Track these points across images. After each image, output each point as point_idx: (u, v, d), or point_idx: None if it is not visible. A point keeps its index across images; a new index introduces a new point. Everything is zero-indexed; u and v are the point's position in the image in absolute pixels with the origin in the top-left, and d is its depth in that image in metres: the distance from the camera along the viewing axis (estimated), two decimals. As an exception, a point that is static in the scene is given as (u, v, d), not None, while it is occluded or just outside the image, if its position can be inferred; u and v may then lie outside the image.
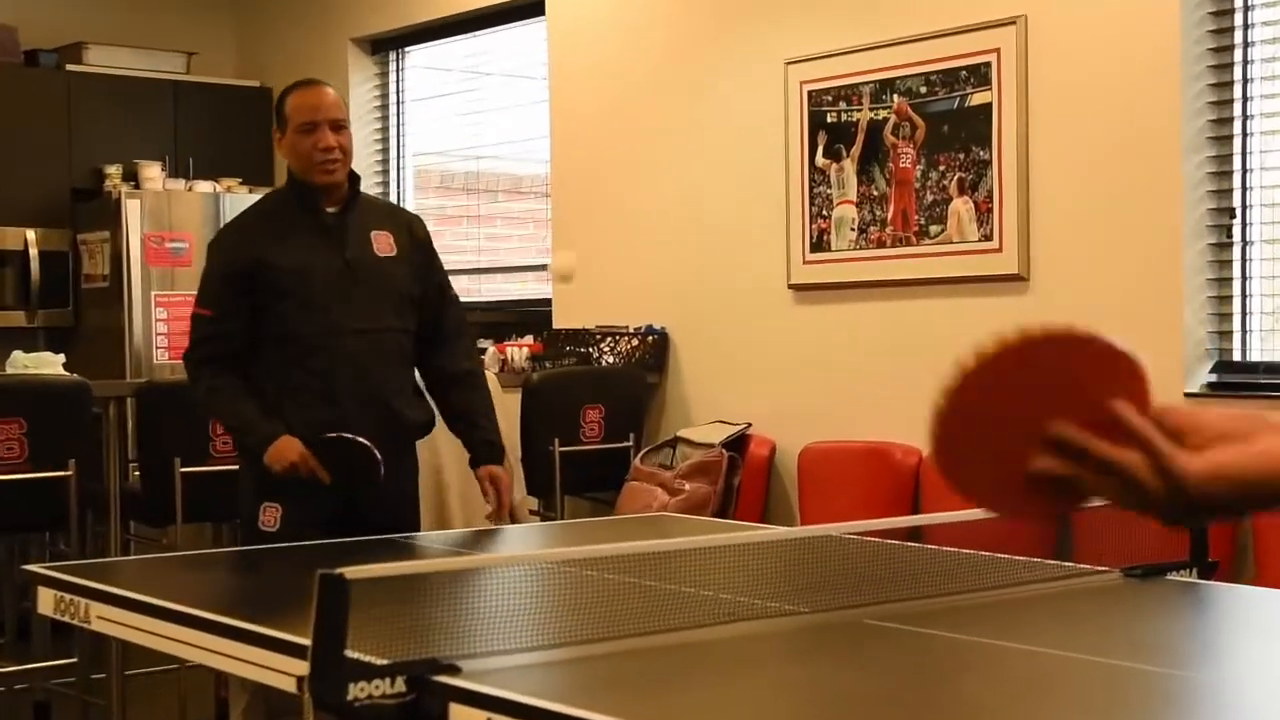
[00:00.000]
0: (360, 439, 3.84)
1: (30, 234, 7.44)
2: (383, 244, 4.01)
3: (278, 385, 3.90)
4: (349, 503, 3.88)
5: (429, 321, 4.11)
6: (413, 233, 4.13)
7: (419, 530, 4.12)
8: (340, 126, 3.95)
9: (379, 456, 3.83)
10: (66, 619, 3.10)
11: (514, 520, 5.73)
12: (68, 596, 3.08)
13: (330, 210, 3.98)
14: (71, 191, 7.61)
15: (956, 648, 2.53)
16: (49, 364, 5.62)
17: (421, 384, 4.17)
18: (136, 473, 5.33)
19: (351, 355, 3.90)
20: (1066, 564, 3.27)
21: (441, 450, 5.37)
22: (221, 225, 7.47)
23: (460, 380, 4.14)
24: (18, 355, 5.67)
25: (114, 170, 7.52)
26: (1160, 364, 4.94)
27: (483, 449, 4.09)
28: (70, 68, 7.68)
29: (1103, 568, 3.13)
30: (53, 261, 7.51)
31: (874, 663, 2.47)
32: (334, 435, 3.84)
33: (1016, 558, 3.22)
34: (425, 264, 4.13)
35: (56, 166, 7.60)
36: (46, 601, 3.15)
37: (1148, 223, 4.84)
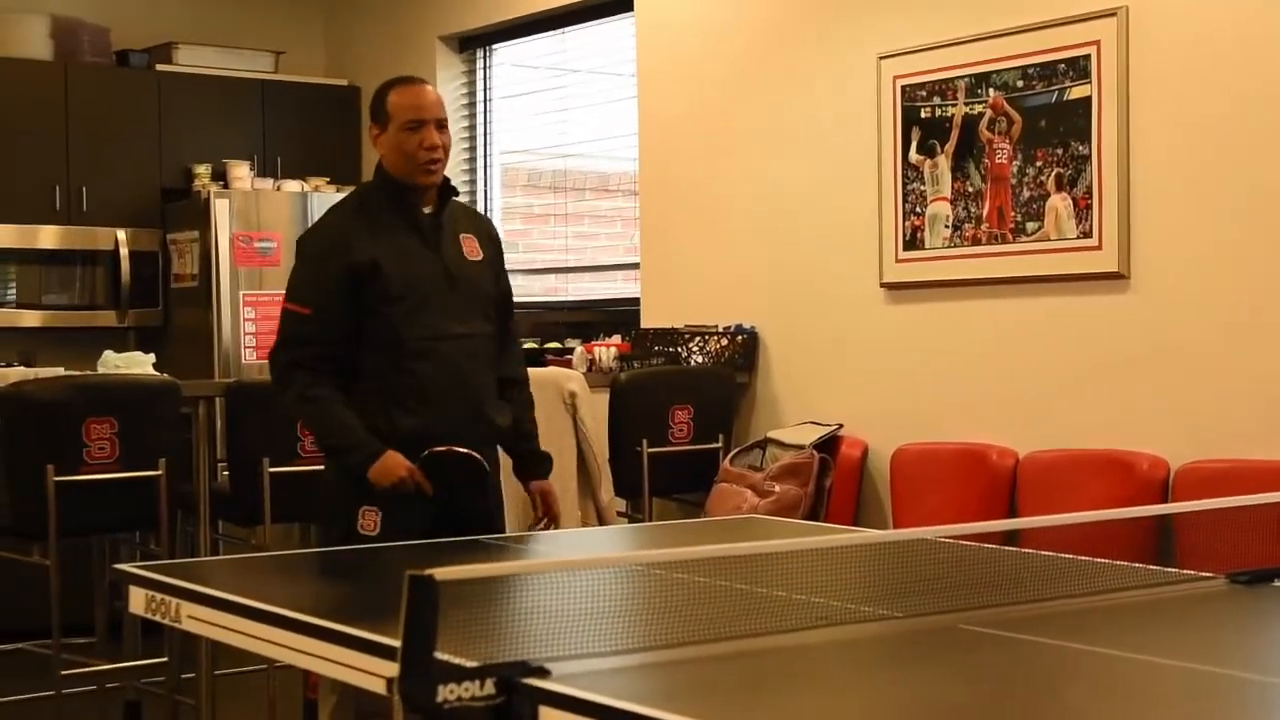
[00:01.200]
0: (471, 453, 3.84)
1: (121, 234, 7.52)
2: (471, 247, 4.00)
3: (381, 390, 3.85)
4: (448, 507, 3.86)
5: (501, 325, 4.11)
6: (490, 237, 4.12)
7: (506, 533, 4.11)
8: (443, 126, 3.93)
9: (488, 467, 3.86)
10: (157, 619, 3.11)
11: (602, 522, 5.72)
12: (159, 596, 3.08)
13: (426, 211, 3.94)
14: (161, 191, 7.69)
15: (1056, 655, 2.47)
16: (140, 364, 5.66)
17: None
18: (225, 473, 5.36)
19: (452, 359, 3.88)
20: (1170, 569, 3.19)
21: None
22: (310, 224, 7.56)
23: (513, 388, 4.13)
24: (109, 355, 5.72)
25: (203, 170, 7.59)
26: (1266, 364, 4.89)
27: (534, 461, 4.12)
28: (160, 68, 7.75)
29: (1207, 573, 3.06)
30: (143, 261, 7.58)
31: (970, 670, 2.42)
32: (442, 449, 3.82)
33: (1117, 563, 3.16)
34: (500, 268, 4.13)
35: (147, 166, 7.68)
36: (138, 601, 3.15)
37: (1254, 219, 4.73)
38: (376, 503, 3.82)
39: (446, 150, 3.93)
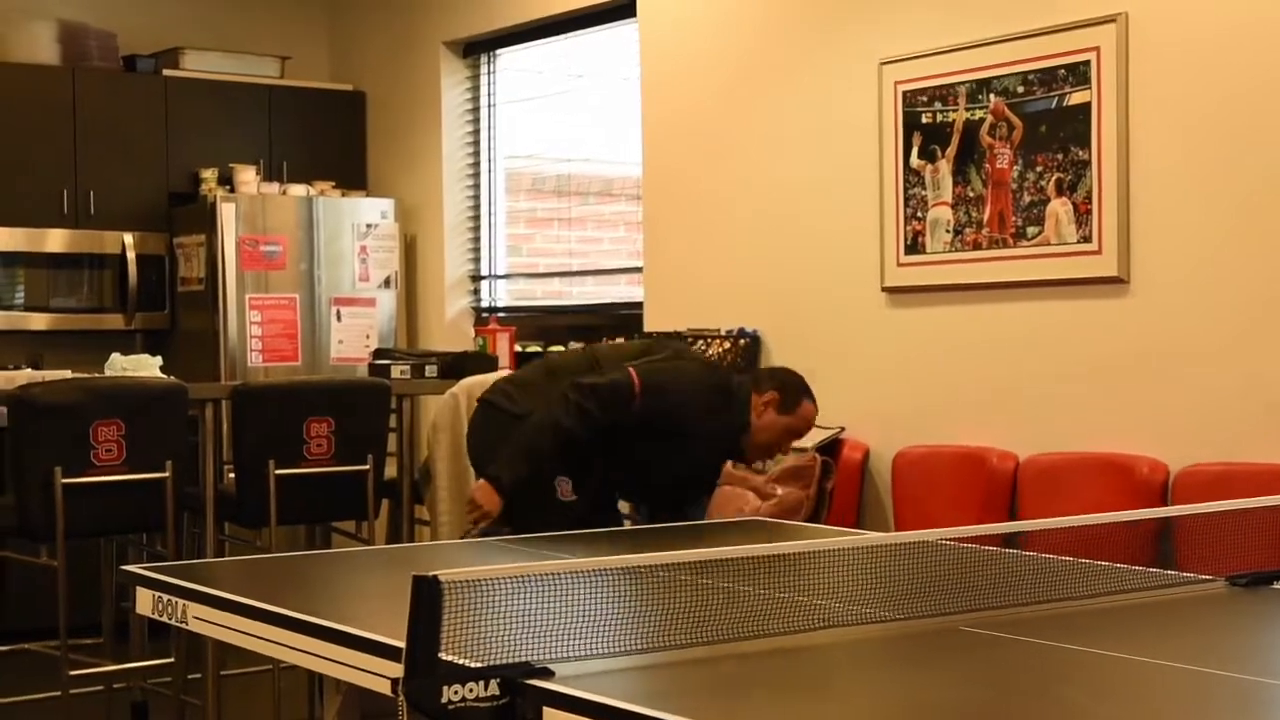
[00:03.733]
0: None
1: (128, 238, 7.54)
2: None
3: (598, 476, 4.49)
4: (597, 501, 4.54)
5: None
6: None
7: None
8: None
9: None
10: (164, 619, 3.13)
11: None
12: (165, 597, 3.10)
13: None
14: (168, 195, 7.71)
15: (1056, 657, 2.48)
16: (147, 366, 5.68)
17: None
18: (231, 475, 5.38)
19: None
20: (1169, 572, 3.21)
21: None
22: (314, 228, 7.56)
23: None
24: (116, 358, 5.74)
25: (209, 174, 7.61)
26: (1266, 368, 4.90)
27: None
28: (167, 73, 7.77)
29: (1206, 576, 3.07)
30: (150, 265, 7.60)
31: (971, 671, 2.44)
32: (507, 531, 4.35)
33: (1117, 565, 3.17)
34: None
35: (154, 171, 7.70)
36: (144, 602, 3.18)
37: (1253, 224, 4.75)
38: (565, 473, 4.41)
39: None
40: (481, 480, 4.40)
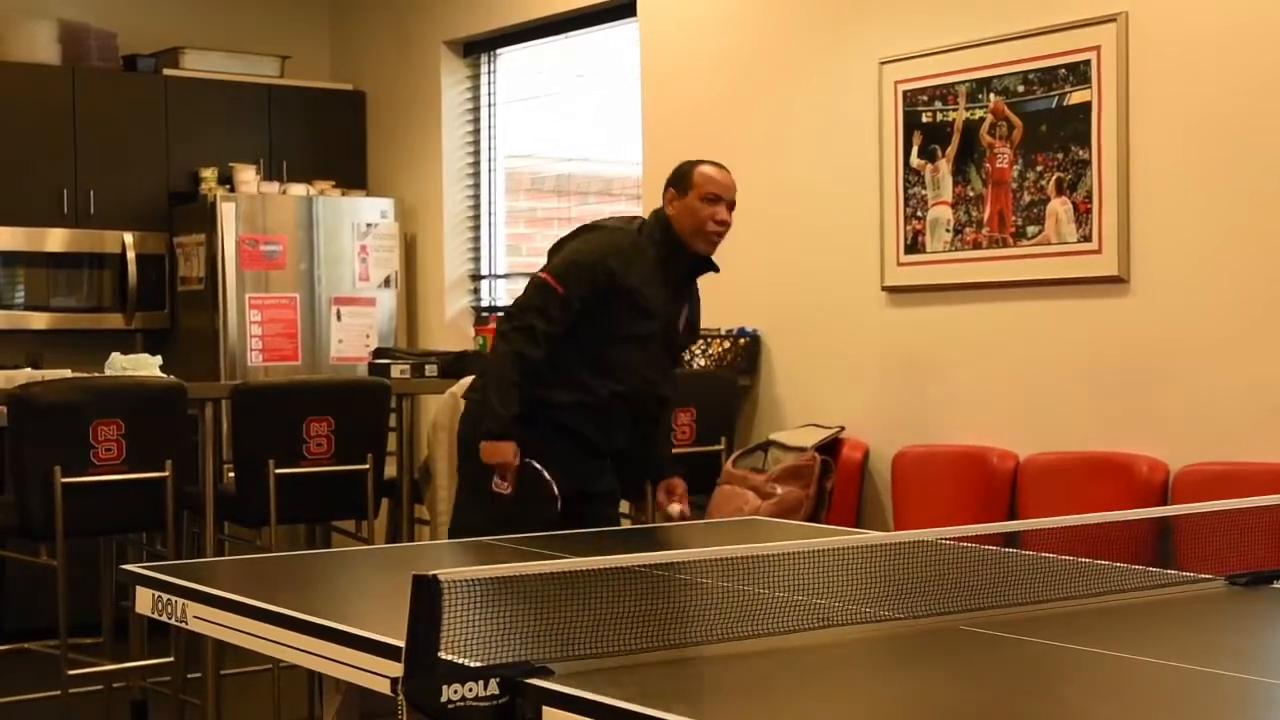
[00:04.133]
0: (547, 475, 4.32)
1: (128, 237, 7.54)
2: (684, 322, 4.64)
3: (579, 398, 4.43)
4: (581, 483, 4.43)
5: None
6: (694, 315, 4.73)
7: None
8: (733, 206, 4.52)
9: (556, 494, 4.32)
10: (164, 619, 3.13)
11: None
12: (165, 596, 3.10)
13: (687, 273, 4.56)
14: (168, 195, 7.71)
15: (1055, 656, 2.49)
16: (146, 366, 5.68)
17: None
18: (231, 474, 5.38)
19: (636, 397, 4.50)
20: (1169, 571, 3.21)
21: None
22: (314, 229, 7.57)
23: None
24: (116, 357, 5.74)
25: (209, 174, 7.61)
26: (1266, 368, 4.90)
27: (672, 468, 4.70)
28: (168, 72, 7.77)
29: (1206, 575, 3.07)
30: (150, 264, 7.60)
31: (970, 671, 2.44)
32: (532, 463, 4.32)
33: (1117, 564, 3.17)
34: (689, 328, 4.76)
35: (154, 170, 7.70)
36: (144, 601, 3.18)
37: (1253, 224, 4.75)
38: (543, 463, 4.33)
39: (727, 228, 4.53)
40: (482, 444, 4.36)
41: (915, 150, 5.61)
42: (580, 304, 4.37)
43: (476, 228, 7.85)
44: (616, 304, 4.40)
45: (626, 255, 4.45)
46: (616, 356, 4.45)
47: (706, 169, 4.55)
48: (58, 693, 4.98)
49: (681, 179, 4.53)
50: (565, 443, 4.44)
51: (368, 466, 5.32)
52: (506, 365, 4.34)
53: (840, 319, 5.90)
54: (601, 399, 4.45)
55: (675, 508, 4.53)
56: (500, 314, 4.44)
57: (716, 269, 4.62)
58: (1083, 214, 5.12)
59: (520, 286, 7.67)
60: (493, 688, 2.17)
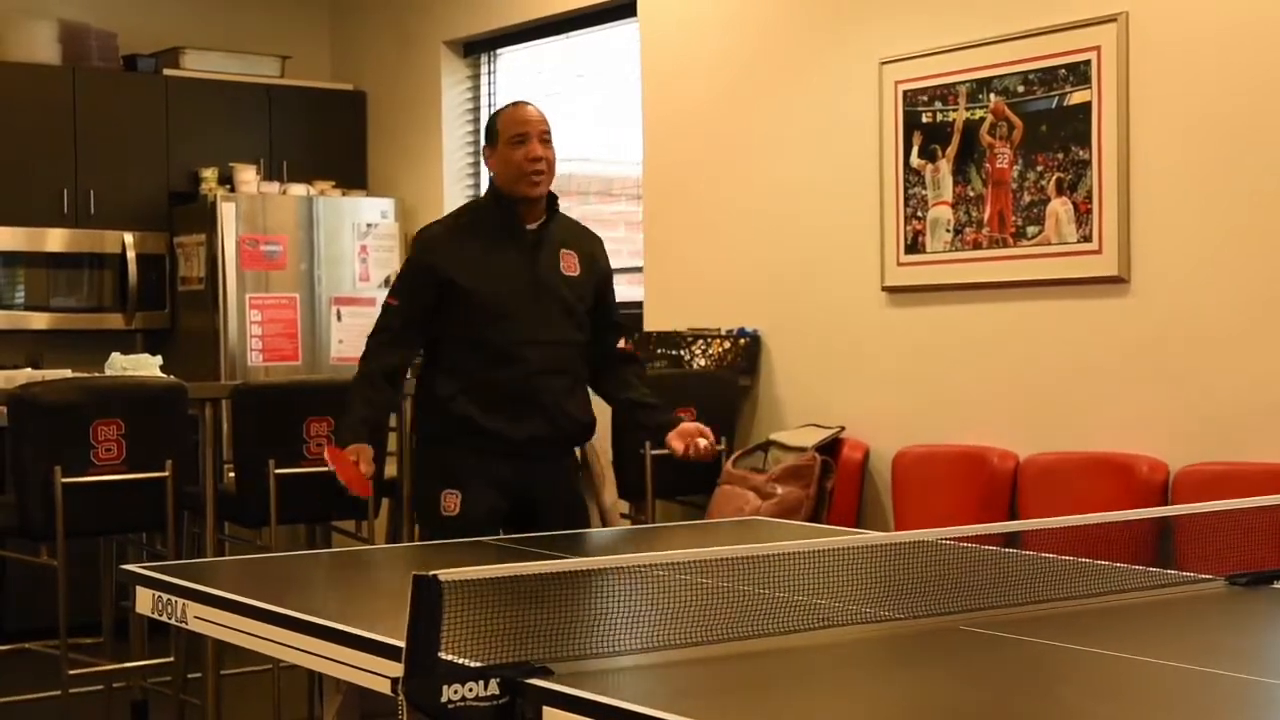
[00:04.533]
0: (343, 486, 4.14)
1: (128, 237, 7.55)
2: (569, 263, 4.30)
3: (468, 389, 4.21)
4: (524, 499, 4.25)
5: (604, 343, 4.43)
6: (595, 255, 4.40)
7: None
8: (547, 140, 4.21)
9: (351, 497, 4.24)
10: (164, 619, 3.13)
11: (606, 523, 5.73)
12: (165, 596, 3.10)
13: (530, 228, 4.25)
14: (168, 195, 7.71)
15: (1055, 656, 2.48)
16: (146, 366, 5.68)
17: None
18: (231, 474, 5.38)
19: (533, 363, 4.20)
20: (1169, 571, 3.21)
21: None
22: (315, 228, 7.57)
23: (629, 374, 4.48)
24: (116, 357, 5.74)
25: (210, 174, 7.61)
26: (1266, 368, 4.90)
27: (667, 421, 4.37)
28: (168, 72, 7.78)
29: (1206, 576, 3.07)
30: (150, 264, 7.61)
31: (970, 671, 2.44)
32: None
33: (1117, 564, 3.17)
34: (599, 286, 4.40)
35: (154, 170, 7.70)
36: (144, 601, 3.18)
37: (1254, 224, 4.75)
38: (457, 486, 4.19)
39: (551, 165, 4.21)
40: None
41: (915, 150, 5.61)
42: (420, 309, 4.22)
43: (477, 228, 7.84)
44: (456, 294, 4.19)
45: (442, 244, 4.27)
46: (488, 336, 4.20)
47: (508, 110, 4.30)
48: (58, 693, 4.98)
49: (489, 131, 4.30)
50: (470, 443, 4.23)
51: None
52: (352, 392, 4.30)
53: (840, 319, 5.90)
54: (487, 381, 4.20)
55: (703, 443, 4.19)
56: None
57: (555, 202, 4.32)
58: (1083, 214, 5.12)
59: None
60: (493, 688, 2.17)
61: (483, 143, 4.35)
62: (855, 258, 5.82)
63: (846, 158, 5.86)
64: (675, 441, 4.23)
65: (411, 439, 5.99)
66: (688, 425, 4.28)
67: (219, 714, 5.17)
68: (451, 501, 4.23)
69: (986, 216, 5.40)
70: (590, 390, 4.46)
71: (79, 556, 5.16)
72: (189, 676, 5.26)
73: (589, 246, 4.42)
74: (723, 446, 5.92)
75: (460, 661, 2.23)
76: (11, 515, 4.94)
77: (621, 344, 4.51)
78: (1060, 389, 5.22)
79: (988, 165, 5.39)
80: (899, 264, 5.68)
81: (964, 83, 5.45)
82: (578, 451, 4.57)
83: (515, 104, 4.33)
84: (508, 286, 4.21)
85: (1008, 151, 5.32)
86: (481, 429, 4.20)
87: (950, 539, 3.37)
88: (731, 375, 6.13)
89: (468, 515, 4.17)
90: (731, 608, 2.68)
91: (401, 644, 2.19)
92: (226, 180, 7.63)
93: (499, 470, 4.22)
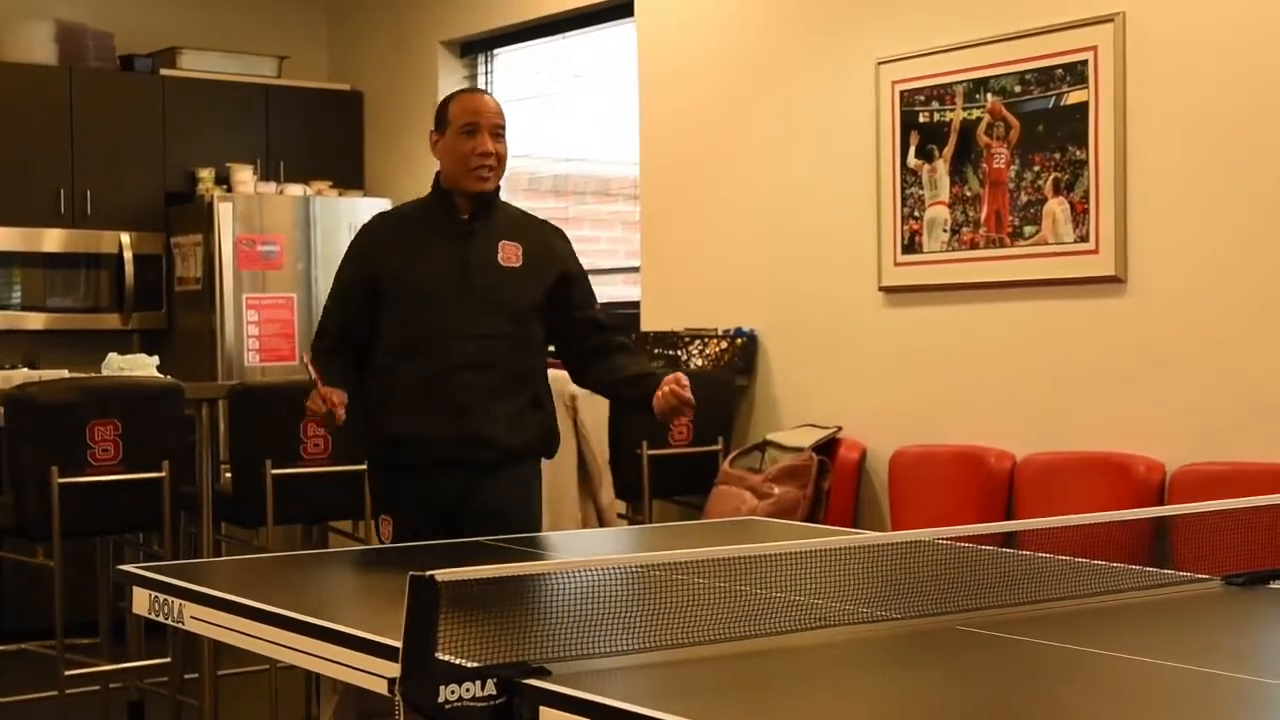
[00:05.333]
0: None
1: (125, 237, 7.54)
2: (509, 254, 3.98)
3: (385, 389, 3.94)
4: (453, 515, 3.90)
5: (579, 339, 4.09)
6: (550, 247, 4.10)
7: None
8: (499, 135, 3.96)
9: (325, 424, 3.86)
10: (160, 619, 3.12)
11: (603, 523, 5.74)
12: (162, 597, 3.10)
13: (464, 218, 3.97)
14: (165, 195, 7.72)
15: (1052, 656, 2.48)
16: (143, 366, 5.68)
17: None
18: (228, 474, 5.38)
19: (452, 357, 3.87)
20: (1166, 571, 3.21)
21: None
22: (311, 229, 7.57)
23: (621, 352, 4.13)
24: (113, 358, 5.74)
25: (207, 174, 7.61)
26: (1263, 368, 4.89)
27: (653, 387, 3.92)
28: (165, 72, 7.77)
29: (1203, 575, 3.07)
30: (147, 265, 7.61)
31: (967, 671, 2.43)
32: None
33: (1114, 564, 3.17)
34: (556, 277, 4.06)
35: (151, 170, 7.70)
36: (141, 602, 3.17)
37: (1250, 223, 4.76)
38: (388, 512, 3.93)
39: (501, 161, 3.96)
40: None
41: (912, 150, 5.62)
42: (355, 309, 3.97)
43: (474, 228, 7.84)
44: (383, 287, 3.93)
45: (376, 235, 4.04)
46: (406, 329, 3.91)
47: (462, 97, 4.04)
48: (55, 693, 4.97)
49: (439, 117, 4.02)
50: (396, 460, 3.94)
51: (364, 467, 5.30)
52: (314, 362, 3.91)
53: (837, 319, 5.90)
54: (402, 379, 3.90)
55: (676, 392, 3.83)
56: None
57: (497, 192, 4.03)
58: (1080, 214, 5.12)
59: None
60: (490, 688, 2.17)
61: (430, 134, 4.04)
62: (852, 258, 5.82)
63: (843, 158, 5.86)
64: (654, 402, 3.86)
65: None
66: (665, 378, 3.88)
67: (216, 714, 5.17)
68: (385, 528, 3.94)
69: (983, 216, 5.40)
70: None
71: (75, 557, 5.16)
72: (186, 677, 5.26)
73: (541, 239, 4.10)
74: (717, 446, 5.93)
75: (457, 662, 2.22)
76: (8, 515, 4.94)
77: (612, 336, 4.15)
78: (1057, 389, 5.23)
79: (985, 165, 5.39)
80: (896, 264, 5.68)
81: (961, 83, 5.45)
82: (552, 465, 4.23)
83: (470, 91, 4.09)
84: (432, 276, 3.91)
85: (1005, 151, 5.32)
86: (402, 439, 3.89)
87: (947, 539, 3.36)
88: (728, 375, 6.13)
89: (399, 540, 3.86)
90: (728, 608, 2.67)
91: (398, 644, 2.19)
92: (223, 180, 7.63)
93: (428, 489, 3.89)
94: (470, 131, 3.92)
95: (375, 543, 4.05)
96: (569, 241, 4.21)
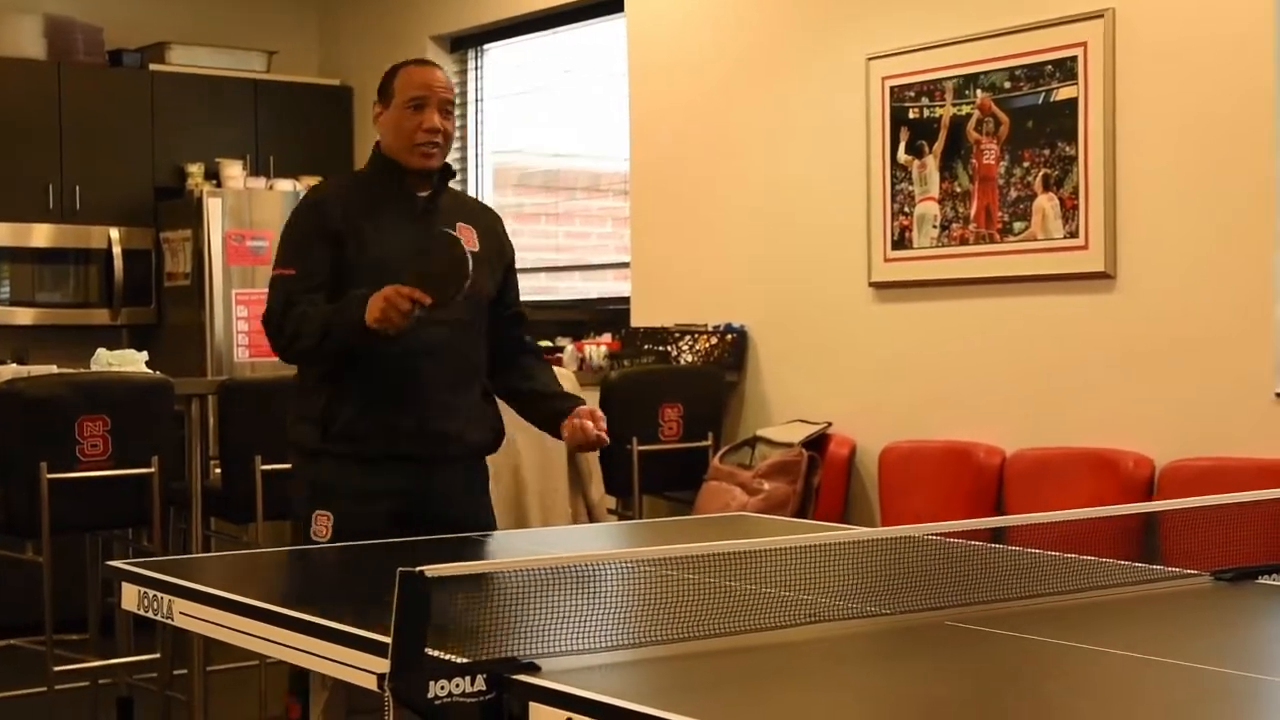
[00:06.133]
0: (447, 232, 3.58)
1: (114, 233, 7.53)
2: (467, 237, 3.73)
3: (333, 377, 3.70)
4: (402, 511, 3.70)
5: (502, 334, 3.91)
6: (497, 232, 3.94)
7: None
8: (448, 111, 3.77)
9: (465, 253, 3.52)
10: (149, 615, 3.12)
11: (593, 519, 5.74)
12: (151, 593, 3.09)
13: (420, 195, 3.79)
14: (154, 190, 7.70)
15: (1041, 651, 2.49)
16: (132, 362, 5.67)
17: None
18: (217, 470, 5.37)
19: (416, 343, 3.62)
20: (1155, 567, 3.21)
21: (520, 450, 5.37)
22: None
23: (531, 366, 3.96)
24: (102, 353, 5.73)
25: (196, 169, 7.60)
26: (1251, 364, 4.91)
27: (565, 408, 3.80)
28: (154, 67, 7.76)
29: (1192, 571, 3.08)
30: (136, 260, 7.60)
31: (956, 666, 2.44)
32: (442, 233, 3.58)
33: (1103, 560, 3.17)
34: (501, 267, 3.92)
35: (140, 165, 7.69)
36: (130, 598, 3.16)
37: (1239, 219, 4.76)
38: (328, 507, 3.69)
39: (448, 137, 3.77)
40: (370, 320, 3.51)
41: (902, 146, 5.62)
42: (325, 271, 3.67)
43: (464, 223, 7.83)
44: (343, 262, 3.66)
45: (333, 200, 3.77)
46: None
47: (411, 69, 3.80)
48: (44, 689, 4.97)
49: (384, 88, 3.79)
50: (343, 451, 3.70)
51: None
52: (306, 339, 3.64)
53: (827, 315, 5.90)
54: (359, 366, 3.66)
55: (587, 427, 3.68)
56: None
57: (453, 173, 3.87)
58: (1069, 210, 5.13)
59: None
60: (479, 683, 2.17)
61: (374, 106, 3.81)
62: (842, 253, 5.82)
63: (833, 153, 5.86)
64: (565, 431, 3.73)
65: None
66: (581, 410, 3.74)
67: (205, 710, 5.16)
68: (323, 525, 3.70)
69: (973, 212, 5.41)
70: (490, 385, 3.91)
71: (65, 553, 5.16)
72: (175, 673, 5.25)
73: (488, 222, 3.93)
74: (707, 441, 5.93)
75: (447, 657, 2.22)
76: (-3, 511, 4.93)
77: (525, 336, 4.00)
78: (1047, 384, 5.23)
79: (974, 161, 5.40)
80: (886, 260, 5.68)
81: (951, 78, 5.46)
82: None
83: (419, 63, 3.86)
84: (396, 255, 3.61)
85: (994, 147, 5.33)
86: (352, 432, 3.67)
87: (937, 534, 3.37)
88: (718, 371, 6.13)
89: (339, 540, 3.65)
90: (718, 603, 2.67)
91: (388, 640, 2.19)
92: (213, 175, 7.62)
93: (376, 483, 3.68)
94: (418, 106, 3.72)
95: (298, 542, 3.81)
96: (504, 225, 4.04)
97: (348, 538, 3.64)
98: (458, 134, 7.77)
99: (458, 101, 7.78)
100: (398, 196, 3.76)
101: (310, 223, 3.74)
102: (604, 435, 3.71)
